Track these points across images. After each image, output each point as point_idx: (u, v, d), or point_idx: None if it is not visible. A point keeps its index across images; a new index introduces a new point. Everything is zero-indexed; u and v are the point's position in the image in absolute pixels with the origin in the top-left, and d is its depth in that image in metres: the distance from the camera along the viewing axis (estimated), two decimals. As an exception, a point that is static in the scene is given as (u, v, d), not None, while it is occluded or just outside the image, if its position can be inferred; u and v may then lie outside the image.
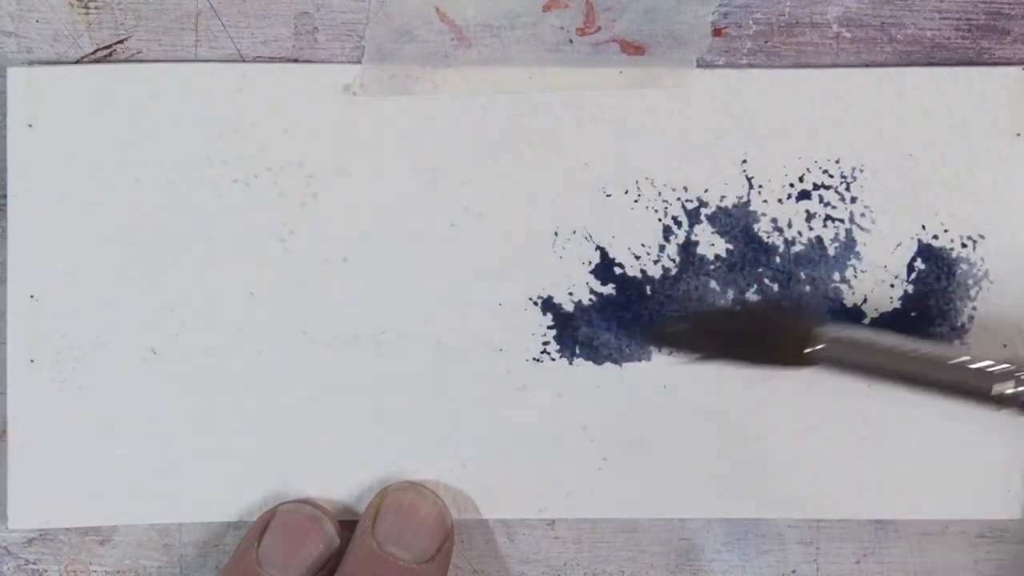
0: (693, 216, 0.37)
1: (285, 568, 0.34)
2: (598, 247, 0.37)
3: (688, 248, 0.37)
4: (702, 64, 0.36)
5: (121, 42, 0.36)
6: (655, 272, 0.37)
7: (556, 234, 0.37)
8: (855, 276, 0.37)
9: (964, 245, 0.37)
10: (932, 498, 0.37)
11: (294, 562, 0.35)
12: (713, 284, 0.37)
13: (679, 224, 0.37)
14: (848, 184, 0.36)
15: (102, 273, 0.36)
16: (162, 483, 0.36)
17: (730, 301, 0.36)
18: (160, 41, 0.36)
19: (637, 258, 0.37)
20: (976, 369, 0.33)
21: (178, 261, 0.36)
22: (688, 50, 0.36)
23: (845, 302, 0.37)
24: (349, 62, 0.36)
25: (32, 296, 0.36)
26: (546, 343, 0.37)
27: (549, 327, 0.37)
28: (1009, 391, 0.32)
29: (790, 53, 0.37)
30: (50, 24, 0.36)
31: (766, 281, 0.37)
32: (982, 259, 0.37)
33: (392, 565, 0.34)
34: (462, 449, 0.37)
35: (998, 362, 0.33)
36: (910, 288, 0.37)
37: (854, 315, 0.36)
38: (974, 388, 0.33)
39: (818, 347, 0.34)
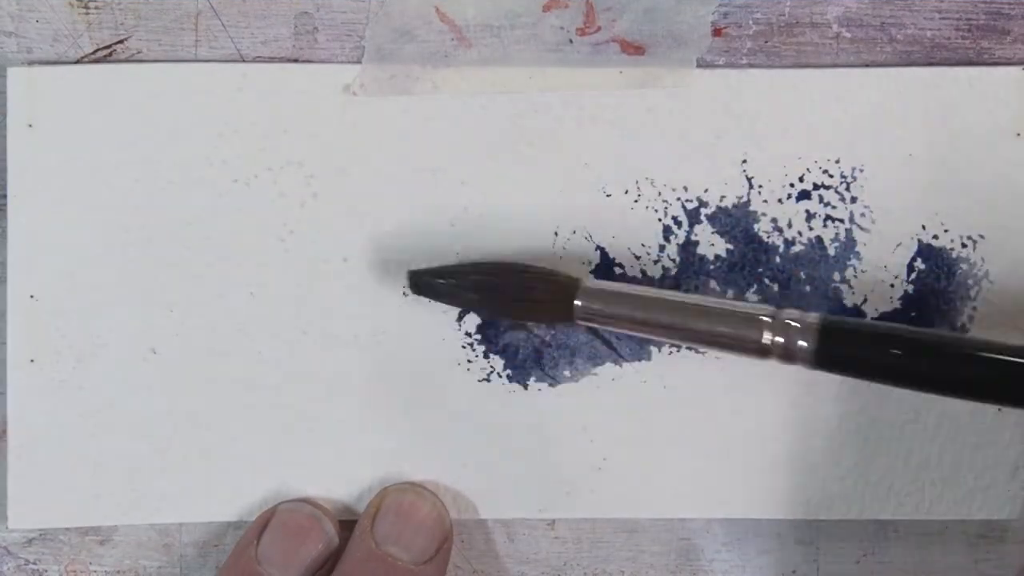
0: (693, 216, 0.37)
1: (284, 567, 0.34)
2: (598, 247, 0.37)
3: (688, 248, 0.37)
4: (702, 64, 0.36)
5: (121, 42, 0.36)
6: (655, 272, 0.37)
7: (556, 234, 0.37)
8: (855, 276, 0.37)
9: (964, 245, 0.37)
10: (932, 498, 0.37)
11: (293, 561, 0.35)
12: (713, 284, 0.37)
13: (679, 224, 0.37)
14: (848, 184, 0.36)
15: (102, 273, 0.36)
16: (162, 483, 0.37)
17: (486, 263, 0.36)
18: (160, 41, 0.36)
19: (637, 258, 0.37)
20: (742, 315, 0.33)
21: (178, 261, 0.36)
22: (688, 50, 0.36)
23: (845, 302, 0.37)
24: (349, 62, 0.36)
25: (32, 296, 0.36)
26: (545, 343, 0.37)
27: (549, 327, 0.37)
28: (767, 341, 0.32)
29: (790, 53, 0.37)
30: (50, 24, 0.36)
31: (766, 281, 0.37)
32: (982, 259, 0.37)
33: (391, 565, 0.34)
34: (462, 449, 0.37)
35: (762, 311, 0.33)
36: (910, 288, 0.37)
37: (854, 315, 0.36)
38: (739, 337, 0.33)
39: (581, 301, 0.34)
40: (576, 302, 0.34)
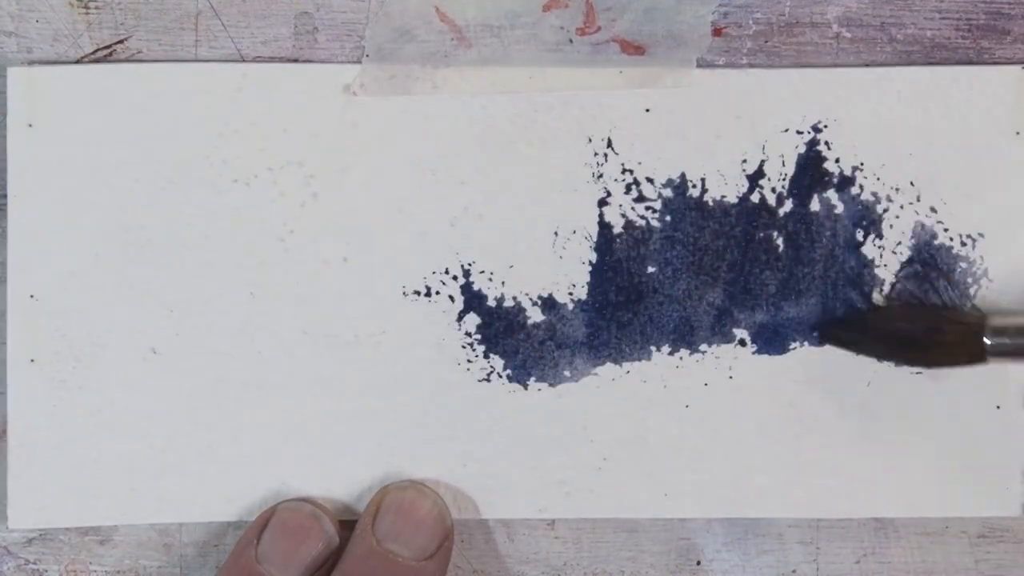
0: (693, 216, 0.37)
1: (284, 566, 0.34)
2: (598, 247, 0.37)
3: (687, 247, 0.37)
4: (702, 64, 0.36)
5: (121, 42, 0.36)
6: (655, 271, 0.37)
7: (556, 234, 0.37)
8: (855, 275, 0.37)
9: (964, 244, 0.37)
10: (932, 497, 0.37)
11: (293, 560, 0.35)
12: (713, 283, 0.37)
13: (679, 224, 0.37)
14: (848, 184, 0.37)
15: (102, 273, 0.36)
16: (162, 483, 0.36)
17: (895, 302, 0.36)
18: (160, 41, 0.36)
19: (637, 257, 0.37)
20: None
21: (178, 261, 0.36)
22: (688, 50, 0.36)
23: (845, 301, 0.37)
24: (349, 62, 0.36)
25: (32, 296, 0.36)
26: (545, 343, 0.37)
27: (549, 327, 0.37)
28: None
29: (790, 53, 0.37)
30: (50, 24, 0.36)
31: (766, 279, 0.37)
32: (981, 258, 0.37)
33: (391, 562, 0.34)
34: (462, 449, 0.37)
35: None
36: (910, 287, 0.37)
37: (854, 314, 0.37)
38: None
39: (991, 339, 0.33)
40: (986, 340, 0.34)
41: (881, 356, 0.36)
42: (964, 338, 0.34)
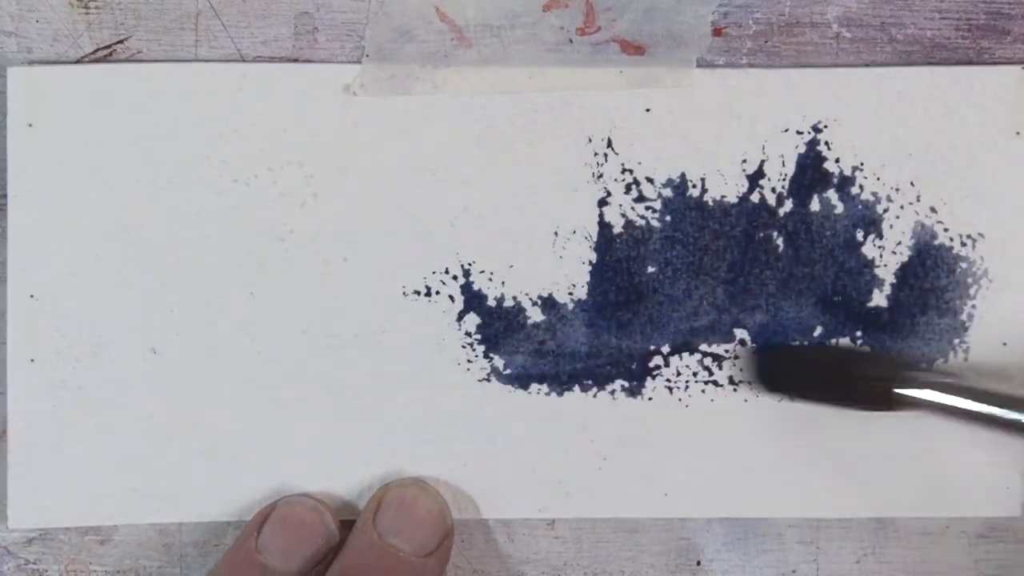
0: (693, 216, 0.37)
1: (284, 558, 0.34)
2: (598, 247, 0.37)
3: (687, 247, 0.37)
4: (702, 64, 0.36)
5: (121, 42, 0.36)
6: (655, 271, 0.37)
7: (556, 234, 0.37)
8: (855, 275, 0.37)
9: (964, 244, 0.37)
10: (932, 497, 0.37)
11: (294, 553, 0.35)
12: (713, 283, 0.37)
13: (679, 224, 0.37)
14: (848, 183, 0.37)
15: (102, 273, 0.36)
16: (162, 483, 0.36)
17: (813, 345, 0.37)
18: (160, 41, 0.36)
19: (637, 257, 0.37)
20: None
21: (178, 261, 0.36)
22: (688, 50, 0.36)
23: (845, 301, 0.37)
24: (349, 62, 0.36)
25: (32, 295, 0.36)
26: (545, 343, 0.37)
27: (549, 327, 0.37)
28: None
29: (790, 53, 0.37)
30: (50, 24, 0.36)
31: (766, 280, 0.37)
32: (981, 258, 0.37)
33: (392, 556, 0.34)
34: (462, 449, 0.37)
35: None
36: (910, 286, 0.37)
37: (854, 314, 0.37)
38: None
39: (907, 390, 0.34)
40: (896, 391, 0.34)
41: (792, 395, 0.36)
42: (874, 389, 0.34)
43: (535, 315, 0.37)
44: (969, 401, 0.33)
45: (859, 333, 0.37)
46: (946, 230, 0.37)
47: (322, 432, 0.37)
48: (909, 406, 0.34)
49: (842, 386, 0.35)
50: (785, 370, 0.36)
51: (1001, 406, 0.33)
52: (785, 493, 0.37)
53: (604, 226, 0.37)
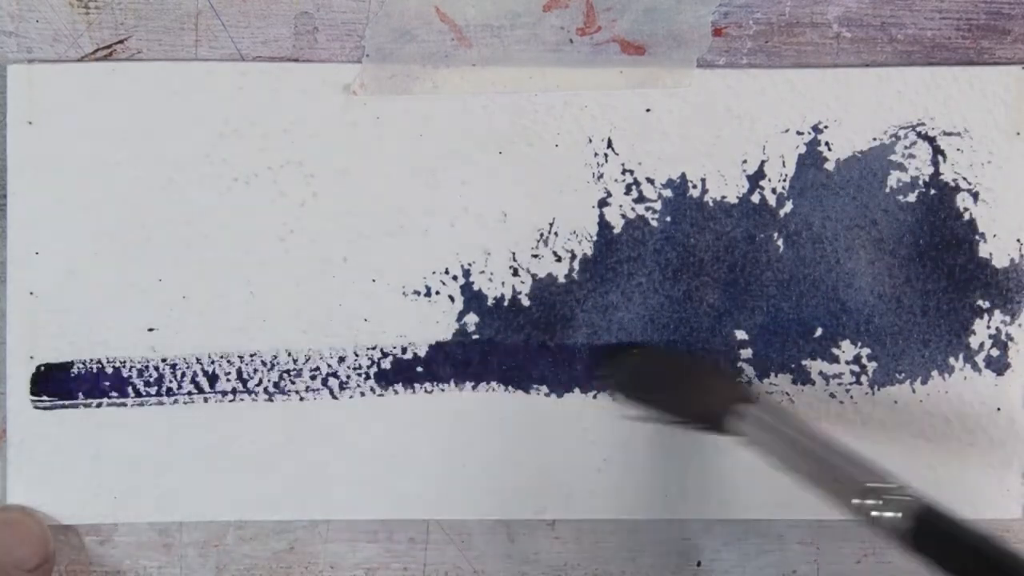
0: (693, 216, 0.36)
1: None
2: (598, 247, 0.37)
3: (687, 248, 0.37)
4: (702, 64, 0.36)
5: (121, 42, 0.36)
6: (655, 272, 0.37)
7: (556, 234, 0.37)
8: (855, 275, 0.37)
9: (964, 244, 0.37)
10: (932, 498, 0.37)
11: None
12: (712, 284, 0.37)
13: (679, 224, 0.37)
14: (847, 183, 0.36)
15: (102, 271, 0.36)
16: (162, 483, 0.36)
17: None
18: (160, 41, 0.36)
19: (637, 257, 0.37)
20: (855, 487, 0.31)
21: (178, 260, 0.36)
22: (688, 50, 0.36)
23: (845, 301, 0.37)
24: (349, 62, 0.36)
25: (32, 293, 0.36)
26: (544, 343, 0.37)
27: (549, 327, 0.37)
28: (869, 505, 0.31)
29: (790, 53, 0.37)
30: (50, 24, 0.36)
31: (766, 280, 0.37)
32: (983, 258, 0.37)
33: None
34: (462, 449, 0.37)
35: (883, 483, 0.31)
36: (909, 287, 0.37)
37: (854, 314, 0.36)
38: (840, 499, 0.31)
39: (739, 416, 0.33)
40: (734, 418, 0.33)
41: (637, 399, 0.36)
42: (708, 411, 0.34)
43: (535, 315, 0.37)
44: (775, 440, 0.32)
45: (858, 334, 0.37)
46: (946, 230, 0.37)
47: (322, 432, 0.36)
48: (735, 434, 0.33)
49: (677, 401, 0.35)
50: (633, 372, 0.36)
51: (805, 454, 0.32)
52: (785, 493, 0.37)
53: (604, 226, 0.37)
